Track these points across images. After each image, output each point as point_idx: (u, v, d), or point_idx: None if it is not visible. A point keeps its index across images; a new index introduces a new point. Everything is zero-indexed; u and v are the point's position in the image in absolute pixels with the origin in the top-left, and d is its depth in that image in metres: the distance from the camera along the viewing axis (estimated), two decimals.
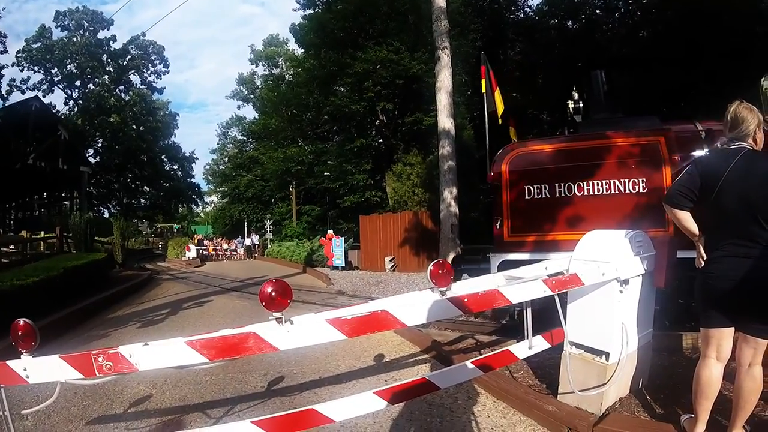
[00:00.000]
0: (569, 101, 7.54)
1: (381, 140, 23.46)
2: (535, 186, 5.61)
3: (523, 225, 5.71)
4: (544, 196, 5.57)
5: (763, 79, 6.23)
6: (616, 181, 5.27)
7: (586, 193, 5.38)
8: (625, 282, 3.17)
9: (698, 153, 4.98)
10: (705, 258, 2.73)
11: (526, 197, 5.66)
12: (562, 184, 5.48)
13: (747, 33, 13.94)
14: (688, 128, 5.41)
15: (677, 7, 15.91)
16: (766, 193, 2.47)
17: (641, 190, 5.16)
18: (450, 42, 11.44)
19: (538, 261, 4.57)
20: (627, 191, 5.22)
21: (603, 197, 5.30)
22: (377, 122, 22.85)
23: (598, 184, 5.33)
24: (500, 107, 9.31)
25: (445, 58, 10.96)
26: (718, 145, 2.81)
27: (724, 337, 2.66)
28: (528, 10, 24.24)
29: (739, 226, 2.55)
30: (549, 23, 22.61)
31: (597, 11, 21.56)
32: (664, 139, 5.22)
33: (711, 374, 2.66)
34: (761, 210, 2.48)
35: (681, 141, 5.24)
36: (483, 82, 9.86)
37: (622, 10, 20.94)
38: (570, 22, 22.26)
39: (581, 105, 7.20)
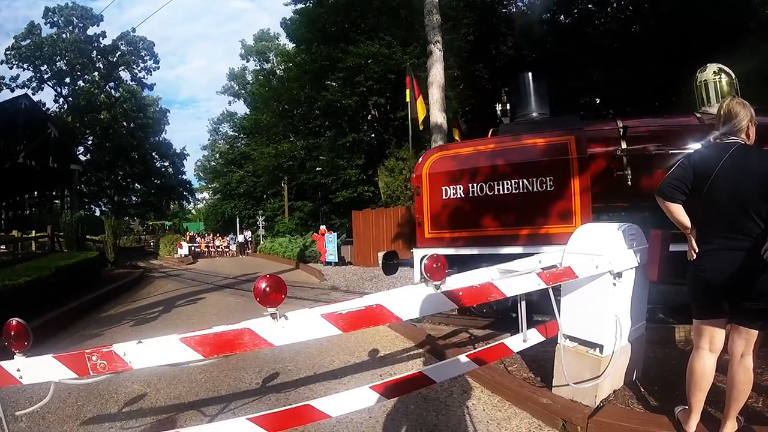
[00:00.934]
0: (498, 103, 7.71)
1: (373, 135, 23.45)
2: (452, 187, 6.08)
3: (441, 223, 6.19)
4: (459, 196, 6.04)
5: (699, 71, 6.42)
6: (525, 180, 5.68)
7: (497, 192, 5.81)
8: (619, 275, 3.18)
9: (612, 149, 5.48)
10: (697, 251, 2.75)
11: (443, 197, 6.14)
12: (476, 185, 5.92)
13: (739, 28, 14.00)
14: (604, 127, 5.76)
15: (670, 1, 15.96)
16: (757, 188, 2.49)
17: (549, 188, 5.56)
18: (442, 36, 11.44)
19: (457, 256, 5.85)
20: (536, 189, 5.62)
21: (513, 195, 5.71)
22: (369, 117, 22.83)
23: (508, 184, 5.74)
24: (421, 114, 10.20)
25: (437, 53, 10.96)
26: (711, 140, 2.82)
27: (716, 329, 2.68)
28: (520, 4, 24.26)
29: (731, 220, 2.57)
30: (541, 17, 22.63)
31: (590, 5, 21.58)
32: (574, 139, 5.56)
33: (704, 366, 2.68)
34: (752, 204, 2.50)
35: (592, 140, 5.61)
36: (407, 91, 10.68)
37: (615, 5, 20.96)
38: (562, 16, 22.28)
39: (508, 106, 7.41)
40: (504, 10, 23.67)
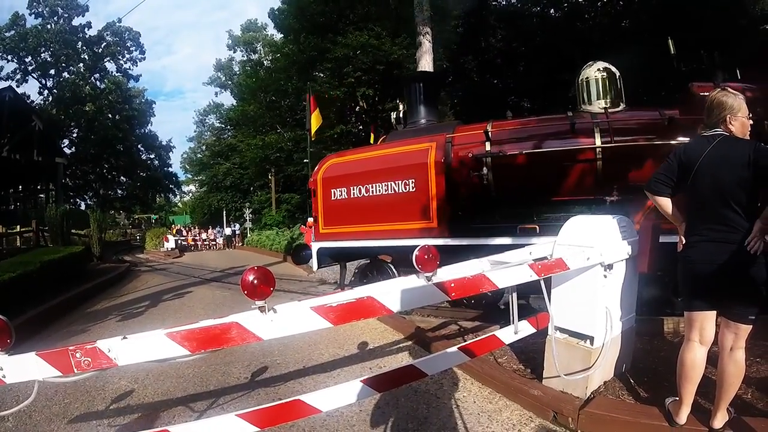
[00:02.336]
0: (392, 112, 8.53)
1: (361, 126, 23.32)
2: (339, 189, 6.98)
3: (332, 220, 7.09)
4: (345, 197, 6.92)
5: (583, 68, 6.54)
6: (393, 183, 6.43)
7: (372, 194, 6.63)
8: (609, 267, 3.19)
9: (475, 152, 6.09)
10: (685, 243, 2.77)
11: (332, 198, 7.04)
12: (357, 187, 6.78)
13: (730, 25, 14.08)
14: (474, 131, 6.32)
15: None
16: (737, 178, 2.50)
17: (411, 190, 6.29)
18: (431, 28, 11.38)
19: (344, 248, 7.03)
20: (401, 191, 6.38)
21: (384, 196, 6.51)
22: (357, 108, 22.70)
23: (381, 186, 6.54)
24: (314, 126, 11.29)
25: (426, 44, 10.92)
26: (699, 130, 2.82)
27: (707, 321, 2.69)
28: None
29: (714, 211, 2.59)
30: (531, 11, 22.60)
31: (580, 0, 21.60)
32: (435, 145, 6.25)
33: (695, 357, 2.69)
34: (732, 194, 2.52)
35: (453, 145, 6.29)
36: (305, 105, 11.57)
37: (605, 0, 21.00)
38: (552, 10, 22.27)
39: (401, 115, 8.14)
40: (494, 3, 23.62)
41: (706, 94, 4.80)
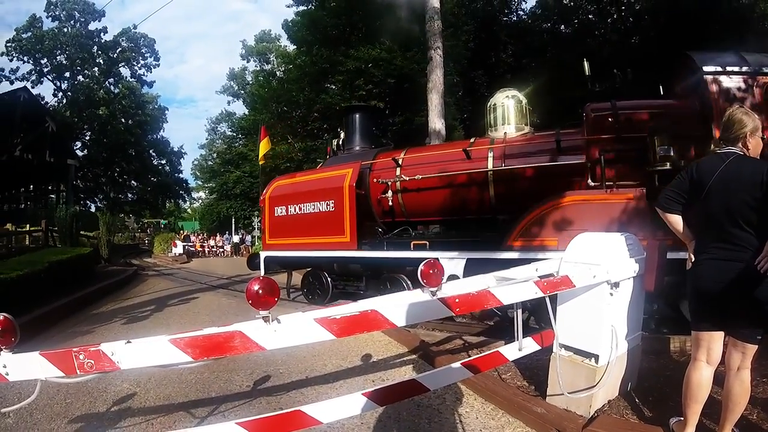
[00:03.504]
0: (334, 139, 9.80)
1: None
2: (280, 207, 8.28)
3: (276, 233, 8.39)
4: (284, 214, 8.23)
5: (493, 95, 7.38)
6: (318, 203, 7.65)
7: (303, 212, 7.90)
8: (616, 285, 3.16)
9: (384, 177, 7.27)
10: (693, 261, 2.75)
11: (275, 215, 8.37)
12: (292, 206, 8.08)
13: (737, 40, 14.08)
14: (384, 158, 7.49)
15: (668, 14, 16.05)
16: (749, 198, 2.49)
17: (331, 209, 7.45)
18: (442, 42, 11.45)
19: (284, 257, 8.33)
20: (324, 210, 7.55)
21: (311, 214, 7.76)
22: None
23: (308, 206, 7.80)
24: (262, 152, 12.71)
25: (437, 58, 10.98)
26: (712, 147, 2.82)
27: (714, 341, 2.67)
28: (521, 13, 24.34)
29: (724, 230, 2.58)
30: (542, 27, 22.71)
31: (590, 16, 21.68)
32: (352, 171, 7.38)
33: (701, 377, 2.66)
34: (741, 213, 2.51)
35: (371, 170, 7.55)
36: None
37: (615, 17, 21.06)
38: (563, 26, 22.37)
39: (341, 141, 9.20)
40: (505, 19, 23.75)
41: (599, 114, 5.71)
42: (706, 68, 5.32)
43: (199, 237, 36.60)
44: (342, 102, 20.53)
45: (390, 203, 7.22)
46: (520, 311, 3.33)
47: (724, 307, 2.56)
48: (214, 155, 51.85)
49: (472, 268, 5.92)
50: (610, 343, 3.15)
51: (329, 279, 8.06)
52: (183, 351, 1.90)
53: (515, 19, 24.19)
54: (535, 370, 4.04)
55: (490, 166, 6.40)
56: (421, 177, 6.88)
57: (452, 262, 6.22)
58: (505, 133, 6.85)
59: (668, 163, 4.98)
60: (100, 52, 42.10)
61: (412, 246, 6.76)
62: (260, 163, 13.57)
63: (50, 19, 39.70)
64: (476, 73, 21.24)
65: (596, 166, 5.54)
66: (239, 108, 50.18)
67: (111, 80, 43.52)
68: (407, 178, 7.00)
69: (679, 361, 4.20)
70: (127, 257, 22.15)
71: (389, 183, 7.14)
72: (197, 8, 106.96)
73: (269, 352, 3.41)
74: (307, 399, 3.85)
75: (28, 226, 18.91)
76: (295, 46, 26.37)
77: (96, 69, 41.97)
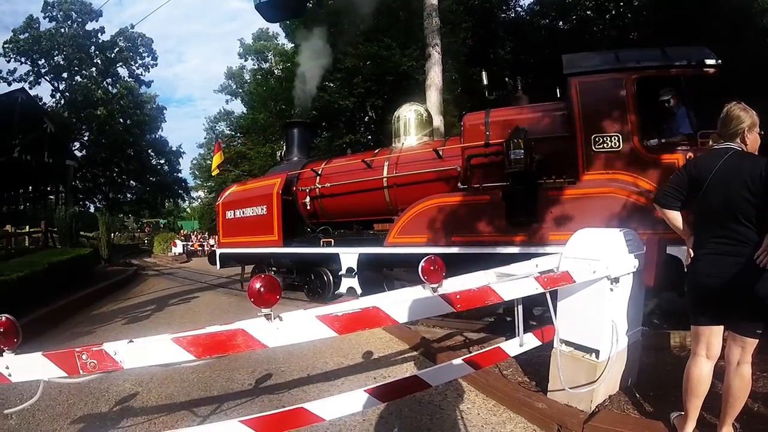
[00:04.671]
0: (278, 150, 11.19)
1: (370, 136, 23.35)
2: (230, 211, 9.57)
3: (227, 233, 9.73)
4: (232, 216, 9.50)
5: (398, 108, 8.37)
6: (255, 208, 8.87)
7: (245, 215, 9.11)
8: (616, 280, 3.17)
9: (305, 185, 8.61)
10: (692, 256, 2.76)
11: (227, 218, 9.67)
12: (238, 210, 9.36)
13: (736, 37, 14.06)
14: (309, 168, 8.68)
15: (667, 10, 16.03)
16: (748, 193, 2.49)
17: (264, 213, 8.61)
18: (441, 39, 11.45)
19: (240, 253, 9.52)
20: (259, 213, 8.74)
21: (250, 217, 8.96)
22: (366, 118, 22.75)
23: (248, 210, 9.04)
24: (215, 164, 14.16)
25: (435, 56, 10.96)
26: (710, 143, 2.82)
27: (713, 335, 2.68)
28: (519, 9, 24.29)
29: (723, 225, 2.59)
30: (540, 23, 22.67)
31: (588, 12, 21.64)
32: (280, 180, 8.61)
33: (701, 372, 2.67)
34: (740, 209, 2.51)
35: (298, 179, 8.80)
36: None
37: (613, 12, 21.02)
38: (561, 22, 22.33)
39: (283, 152, 10.47)
40: (503, 15, 23.71)
41: (473, 123, 6.40)
42: (567, 70, 5.65)
43: (198, 236, 36.53)
44: (340, 100, 20.53)
45: (309, 207, 8.54)
46: (520, 307, 3.34)
47: (724, 302, 2.57)
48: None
49: (364, 261, 7.25)
50: (611, 339, 3.16)
51: (272, 272, 9.39)
52: (186, 350, 1.91)
53: (513, 15, 24.15)
54: (536, 365, 4.04)
55: (385, 173, 7.40)
56: (330, 185, 8.14)
57: (349, 256, 7.41)
58: (403, 143, 7.94)
59: (521, 166, 5.42)
60: (97, 53, 42.03)
61: (321, 243, 7.89)
62: (213, 173, 15.36)
63: (47, 19, 39.61)
64: (475, 70, 21.18)
65: (467, 171, 6.25)
66: (237, 107, 50.09)
67: (109, 80, 43.47)
68: (323, 186, 8.29)
69: (679, 356, 4.20)
70: (127, 257, 22.14)
71: (308, 190, 8.47)
72: (195, 8, 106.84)
73: (270, 351, 3.42)
74: (309, 396, 3.86)
75: (27, 227, 18.89)
76: (293, 44, 26.32)
77: (94, 69, 41.91)
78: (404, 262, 6.75)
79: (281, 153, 10.52)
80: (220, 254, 9.86)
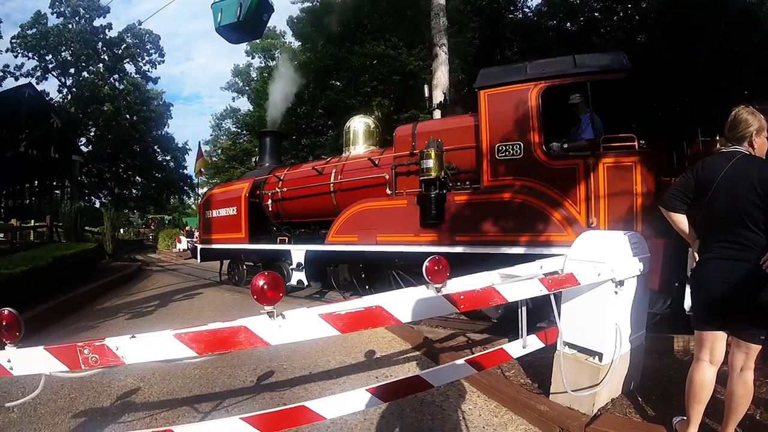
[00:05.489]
0: (254, 157, 12.94)
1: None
2: (209, 211, 10.54)
3: (206, 231, 10.67)
4: (210, 216, 10.46)
5: (354, 117, 9.31)
6: (228, 209, 9.93)
7: (219, 215, 10.15)
8: (620, 283, 3.16)
9: (268, 189, 9.55)
10: (698, 260, 2.74)
11: (206, 217, 10.65)
12: (214, 210, 10.35)
13: (743, 41, 13.96)
14: (274, 174, 9.65)
15: (675, 12, 15.93)
16: (756, 197, 2.47)
17: (234, 213, 9.71)
18: (448, 39, 11.42)
19: (216, 249, 10.38)
20: (230, 214, 9.83)
21: (223, 217, 10.03)
22: (372, 117, 22.76)
23: (222, 210, 10.09)
24: (197, 168, 16.53)
25: (442, 55, 10.95)
26: (717, 146, 2.80)
27: (717, 341, 2.66)
28: (527, 10, 24.21)
29: (730, 229, 2.57)
30: (548, 24, 22.59)
31: (596, 14, 21.54)
32: (248, 184, 9.79)
33: (704, 377, 2.66)
34: (749, 214, 2.49)
35: (265, 183, 9.70)
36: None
37: (621, 14, 20.92)
38: (569, 23, 22.24)
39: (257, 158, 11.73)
40: (510, 16, 23.64)
41: (402, 134, 7.18)
42: (477, 84, 6.15)
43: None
44: (347, 98, 20.53)
45: (272, 209, 9.45)
46: (524, 309, 3.32)
47: (729, 308, 2.55)
48: (219, 151, 51.80)
49: (310, 257, 8.19)
50: (614, 342, 3.15)
51: (244, 266, 10.57)
52: (188, 346, 1.90)
53: (521, 16, 24.07)
54: (539, 367, 4.04)
55: (332, 180, 8.25)
56: (287, 189, 9.05)
57: (298, 252, 8.34)
58: (350, 152, 8.70)
59: (431, 174, 6.13)
60: (104, 49, 42.17)
61: (278, 241, 9.05)
62: (196, 176, 16.25)
63: (55, 15, 39.81)
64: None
65: (393, 178, 7.05)
66: (244, 104, 50.13)
67: (116, 76, 43.61)
68: (283, 190, 9.16)
69: (682, 360, 4.19)
70: (132, 253, 22.16)
71: (271, 194, 9.36)
72: (202, 5, 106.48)
73: (273, 348, 3.42)
74: (310, 395, 3.86)
75: (32, 221, 19.02)
76: (300, 43, 26.32)
77: (101, 65, 42.06)
78: (341, 259, 7.87)
79: (255, 159, 11.77)
80: (201, 249, 10.82)
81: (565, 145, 5.77)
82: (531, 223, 5.54)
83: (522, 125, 5.75)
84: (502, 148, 5.86)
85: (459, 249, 6.02)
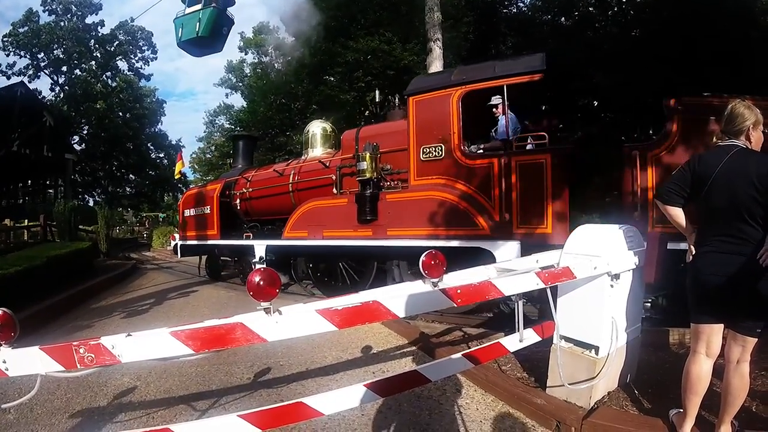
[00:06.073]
0: (230, 159, 13.93)
1: None
2: (186, 210, 11.26)
3: (187, 228, 11.17)
4: (187, 214, 11.17)
5: (308, 124, 10.28)
6: (201, 207, 10.64)
7: (195, 213, 10.84)
8: (616, 276, 3.17)
9: (236, 189, 10.44)
10: (694, 253, 2.74)
11: (185, 215, 11.28)
12: (191, 209, 11.04)
13: (741, 37, 13.95)
14: (242, 175, 10.47)
15: (671, 7, 15.91)
16: (752, 191, 2.47)
17: (208, 212, 10.39)
18: (442, 34, 11.39)
19: (194, 245, 11.05)
20: (204, 212, 10.52)
21: (199, 215, 10.68)
22: (367, 113, 22.70)
23: (198, 209, 10.72)
24: (177, 169, 16.90)
25: (436, 50, 10.93)
26: (714, 140, 2.80)
27: (713, 333, 2.67)
28: (521, 5, 24.15)
29: (727, 223, 2.57)
30: (542, 19, 22.54)
31: (590, 9, 21.50)
32: (220, 185, 10.58)
33: (700, 370, 2.67)
34: (747, 207, 2.49)
35: (235, 184, 10.45)
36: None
37: (616, 9, 20.89)
38: (563, 18, 22.20)
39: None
40: (505, 11, 23.60)
41: (348, 138, 7.95)
42: (406, 92, 6.93)
43: None
44: (341, 94, 20.46)
45: (240, 207, 10.25)
46: (521, 302, 3.33)
47: (726, 301, 2.55)
48: (213, 148, 51.59)
49: (270, 250, 8.78)
50: (611, 335, 3.16)
51: (219, 261, 11.56)
52: (184, 343, 1.90)
53: (515, 11, 24.01)
54: (535, 361, 4.04)
55: (291, 180, 8.97)
56: (253, 189, 9.93)
57: (259, 247, 8.93)
58: (308, 154, 9.47)
59: (365, 175, 6.82)
60: (97, 46, 41.82)
61: (244, 237, 9.62)
62: (176, 177, 17.62)
63: (47, 13, 39.36)
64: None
65: (339, 179, 7.73)
66: (237, 101, 49.91)
67: (108, 74, 43.24)
68: (249, 190, 9.99)
69: (677, 353, 4.20)
70: (126, 251, 22.03)
71: (239, 194, 10.16)
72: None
73: (270, 345, 3.42)
74: (308, 391, 3.86)
75: (26, 221, 18.89)
76: (293, 38, 26.21)
77: (93, 63, 41.70)
78: (298, 252, 8.62)
79: (230, 162, 12.54)
80: (180, 245, 11.52)
81: (481, 146, 6.41)
82: (450, 218, 6.18)
83: (444, 128, 6.36)
84: (427, 150, 6.53)
85: (390, 242, 6.77)
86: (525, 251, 5.26)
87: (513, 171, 5.73)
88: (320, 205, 7.81)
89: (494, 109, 6.37)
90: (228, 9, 10.32)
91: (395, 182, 7.15)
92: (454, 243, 6.05)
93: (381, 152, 7.02)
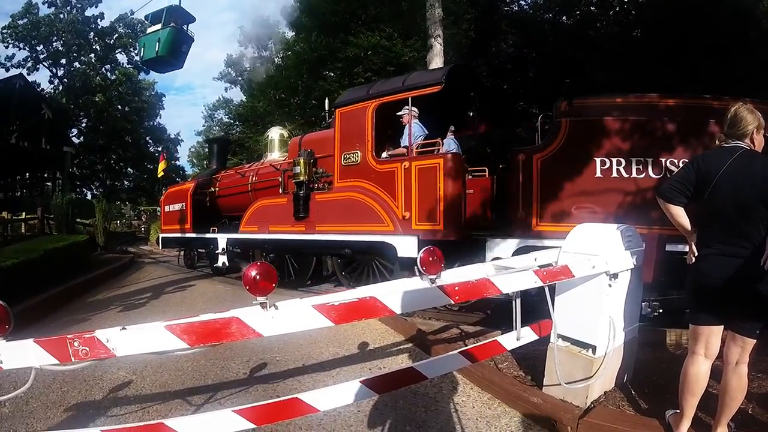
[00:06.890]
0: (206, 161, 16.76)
1: None
2: (167, 206, 12.15)
3: (168, 222, 12.08)
4: (167, 210, 12.08)
5: (269, 130, 11.78)
6: (179, 204, 11.50)
7: (173, 209, 11.71)
8: (615, 276, 3.16)
9: (207, 188, 11.63)
10: (696, 255, 2.73)
11: (165, 211, 12.21)
12: (171, 205, 11.88)
13: (740, 37, 13.94)
14: (214, 176, 11.77)
15: (672, 7, 15.89)
16: (757, 194, 2.46)
17: (183, 208, 11.23)
18: (443, 31, 11.37)
19: (173, 237, 12.10)
20: (180, 209, 11.41)
21: (177, 211, 11.54)
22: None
23: (176, 205, 11.59)
24: (161, 168, 17.69)
25: (437, 47, 10.91)
26: (717, 142, 2.78)
27: (712, 335, 2.66)
28: (523, 3, 24.09)
29: (730, 225, 2.55)
30: (543, 17, 22.49)
31: (591, 8, 21.46)
32: (193, 184, 11.61)
33: (698, 371, 2.66)
34: (752, 210, 2.48)
35: (205, 184, 11.59)
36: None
37: (617, 9, 20.85)
38: (564, 17, 22.15)
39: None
40: (506, 8, 23.54)
41: (294, 144, 9.36)
42: (334, 104, 7.82)
43: None
44: (341, 89, 20.42)
45: (209, 204, 11.30)
46: (518, 300, 3.32)
47: (727, 302, 2.54)
48: None
49: (230, 243, 9.99)
50: (608, 335, 3.15)
51: (195, 252, 12.65)
52: (179, 337, 1.88)
53: (516, 9, 23.95)
54: (532, 360, 4.04)
55: (250, 181, 10.21)
56: (219, 189, 11.19)
57: (222, 239, 10.08)
58: (267, 157, 10.85)
59: (299, 178, 7.88)
60: (96, 39, 41.74)
61: (210, 230, 10.65)
62: (159, 175, 18.38)
63: (46, 5, 39.28)
64: (477, 62, 21.05)
65: (284, 181, 8.72)
66: (237, 95, 49.78)
67: (107, 67, 43.23)
68: (217, 189, 11.25)
69: (675, 353, 4.21)
70: (124, 245, 21.98)
71: (209, 192, 11.35)
72: None
73: (266, 340, 3.40)
74: (303, 386, 3.85)
75: (24, 214, 18.86)
76: (293, 33, 26.16)
77: (92, 55, 41.66)
78: (252, 245, 9.71)
79: (207, 163, 13.83)
80: (162, 238, 12.58)
81: (389, 152, 7.28)
82: (364, 216, 7.08)
83: (361, 137, 7.20)
84: (347, 156, 7.42)
85: (318, 236, 7.80)
86: (422, 246, 5.64)
87: (413, 174, 6.54)
88: (267, 203, 8.92)
89: (401, 119, 7.06)
90: (189, 25, 11.36)
91: (325, 184, 8.02)
92: (366, 238, 7.01)
93: (317, 157, 8.18)
